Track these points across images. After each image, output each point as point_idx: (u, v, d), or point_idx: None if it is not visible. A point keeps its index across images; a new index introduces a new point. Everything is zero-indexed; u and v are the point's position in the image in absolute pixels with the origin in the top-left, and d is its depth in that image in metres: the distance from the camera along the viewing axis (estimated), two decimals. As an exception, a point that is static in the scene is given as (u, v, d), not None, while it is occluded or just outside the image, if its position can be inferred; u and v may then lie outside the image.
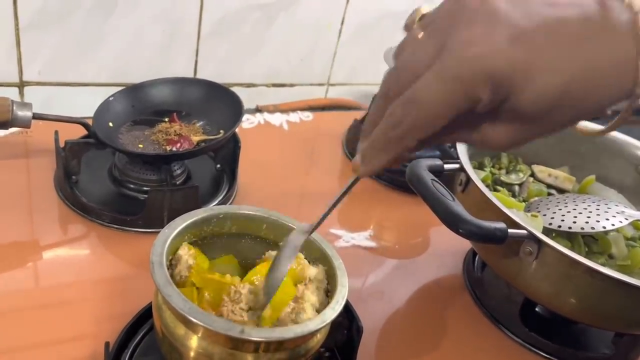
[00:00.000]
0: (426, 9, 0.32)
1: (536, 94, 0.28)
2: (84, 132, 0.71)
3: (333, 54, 1.04)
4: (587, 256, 0.56)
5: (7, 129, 0.67)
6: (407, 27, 0.32)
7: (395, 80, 0.31)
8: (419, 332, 0.61)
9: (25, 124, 0.67)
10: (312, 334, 0.40)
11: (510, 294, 0.63)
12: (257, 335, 0.38)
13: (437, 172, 0.56)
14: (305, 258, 0.49)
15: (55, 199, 0.68)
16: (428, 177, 0.52)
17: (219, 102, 0.76)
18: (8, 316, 0.52)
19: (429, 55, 0.29)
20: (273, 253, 0.48)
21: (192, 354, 0.41)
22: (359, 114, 0.95)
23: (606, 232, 0.59)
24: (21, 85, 0.82)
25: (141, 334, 0.51)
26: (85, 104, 0.73)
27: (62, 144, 0.68)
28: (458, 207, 0.49)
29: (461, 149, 0.62)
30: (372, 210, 0.81)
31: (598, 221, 0.58)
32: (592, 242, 0.60)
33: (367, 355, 0.56)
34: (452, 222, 0.48)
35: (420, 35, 0.30)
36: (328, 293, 0.47)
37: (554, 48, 0.28)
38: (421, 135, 0.30)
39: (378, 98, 0.32)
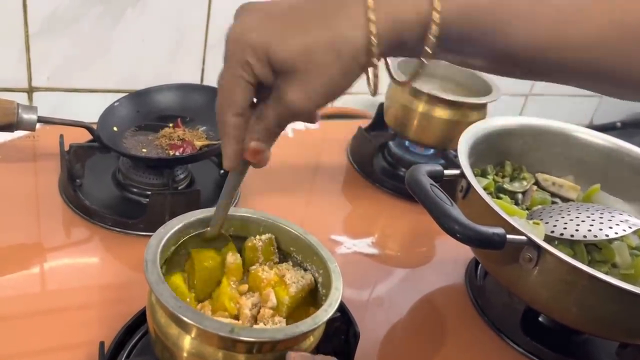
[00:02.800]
0: None
1: (285, 51, 0.36)
2: (89, 137, 0.72)
3: (339, 63, 1.04)
4: (590, 265, 0.55)
5: (12, 131, 0.68)
6: None
7: None
8: (420, 340, 0.61)
9: (30, 126, 0.68)
10: (304, 335, 0.40)
11: (511, 302, 0.63)
12: (246, 335, 0.37)
13: (437, 177, 0.56)
14: (300, 262, 0.49)
15: (59, 202, 0.68)
16: (427, 181, 0.52)
17: (222, 108, 0.76)
18: (11, 317, 0.53)
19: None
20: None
21: (184, 354, 0.40)
22: (364, 122, 0.95)
23: (609, 241, 0.58)
24: (30, 91, 0.83)
25: (138, 336, 0.51)
26: (93, 110, 0.73)
27: (67, 148, 0.69)
28: (456, 211, 0.49)
29: (463, 156, 0.61)
30: (375, 218, 0.81)
31: (601, 229, 0.57)
32: (595, 251, 0.59)
33: (368, 362, 0.55)
34: (449, 226, 0.47)
35: None
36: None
37: (292, 22, 0.36)
38: (235, 110, 0.38)
39: None
